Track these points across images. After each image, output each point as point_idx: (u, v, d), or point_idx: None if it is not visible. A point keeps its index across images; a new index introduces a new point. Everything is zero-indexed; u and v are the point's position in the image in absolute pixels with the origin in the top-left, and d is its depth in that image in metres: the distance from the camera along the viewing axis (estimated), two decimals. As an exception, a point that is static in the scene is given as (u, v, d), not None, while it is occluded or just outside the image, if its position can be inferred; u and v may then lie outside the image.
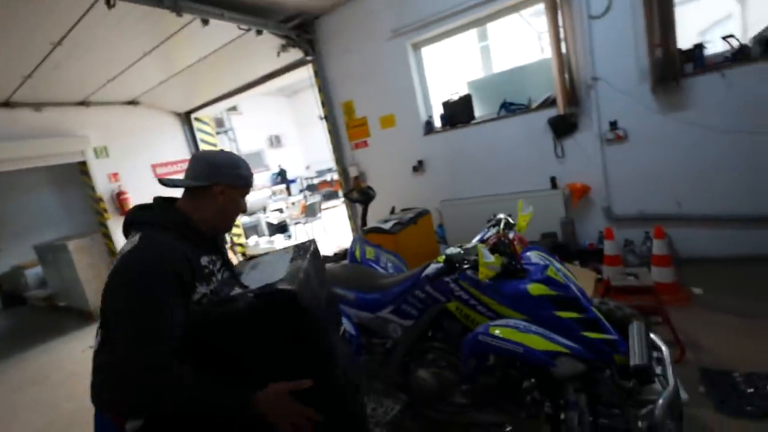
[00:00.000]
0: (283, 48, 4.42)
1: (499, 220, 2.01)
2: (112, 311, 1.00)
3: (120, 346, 0.95)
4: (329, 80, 4.84)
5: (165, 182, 1.21)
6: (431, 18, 3.89)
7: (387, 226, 3.29)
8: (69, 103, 5.08)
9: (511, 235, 1.84)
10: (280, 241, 6.79)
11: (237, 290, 1.14)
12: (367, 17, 4.29)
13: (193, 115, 6.33)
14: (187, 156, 6.39)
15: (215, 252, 1.23)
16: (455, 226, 4.37)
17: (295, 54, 4.62)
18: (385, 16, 4.17)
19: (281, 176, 13.22)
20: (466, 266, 1.59)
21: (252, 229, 7.33)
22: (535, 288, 1.57)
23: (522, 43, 5.53)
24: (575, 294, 1.61)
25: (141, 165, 5.79)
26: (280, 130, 14.25)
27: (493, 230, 1.89)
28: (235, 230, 6.89)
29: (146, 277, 0.99)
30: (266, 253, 1.52)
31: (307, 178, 13.84)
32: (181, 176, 1.22)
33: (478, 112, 4.16)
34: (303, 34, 4.43)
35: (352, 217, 5.20)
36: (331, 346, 1.16)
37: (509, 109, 3.90)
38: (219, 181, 1.17)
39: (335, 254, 4.60)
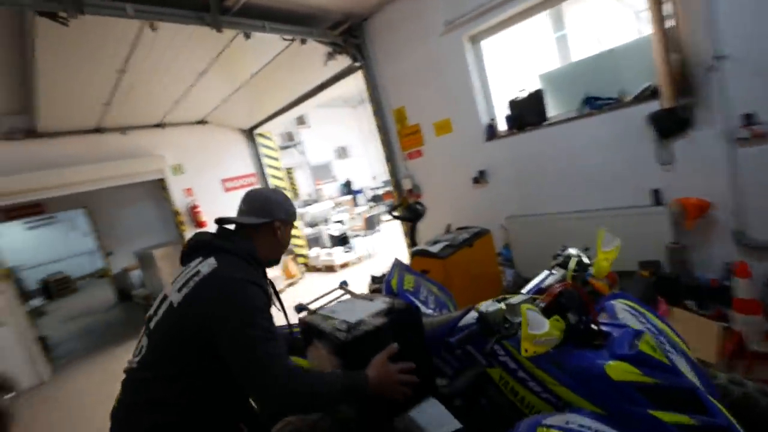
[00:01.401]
0: (330, 56, 4.21)
1: (568, 258, 1.44)
2: (217, 321, 1.07)
3: (255, 355, 1.03)
4: (380, 86, 4.52)
5: (225, 221, 1.30)
6: (489, 4, 3.33)
7: (435, 248, 2.81)
8: (148, 125, 5.51)
9: (587, 279, 1.28)
10: (338, 253, 6.63)
11: (362, 317, 1.25)
12: (417, 11, 3.87)
13: (255, 131, 6.51)
14: (252, 170, 6.60)
15: (268, 282, 1.31)
16: (525, 246, 3.69)
17: (342, 61, 4.39)
18: (437, 7, 3.71)
19: (347, 187, 13.34)
20: (509, 331, 1.09)
21: (314, 241, 7.32)
22: (617, 368, 1.01)
23: (610, 27, 4.63)
24: (689, 383, 1.01)
25: (211, 180, 6.08)
26: (346, 141, 14.45)
27: (557, 274, 1.33)
28: (298, 241, 6.93)
29: (252, 296, 1.11)
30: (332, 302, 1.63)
31: (373, 189, 13.76)
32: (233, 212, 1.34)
33: (553, 110, 3.47)
34: (350, 39, 4.18)
35: (407, 233, 4.78)
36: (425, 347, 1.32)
37: (593, 105, 3.15)
38: (277, 218, 1.31)
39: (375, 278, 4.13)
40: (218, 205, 6.02)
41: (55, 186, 4.76)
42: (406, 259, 5.04)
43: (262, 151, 6.63)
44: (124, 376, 1.19)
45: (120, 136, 5.23)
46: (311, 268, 7.02)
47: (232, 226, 1.32)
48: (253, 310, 1.08)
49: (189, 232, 5.77)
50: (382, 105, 4.57)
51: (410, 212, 3.27)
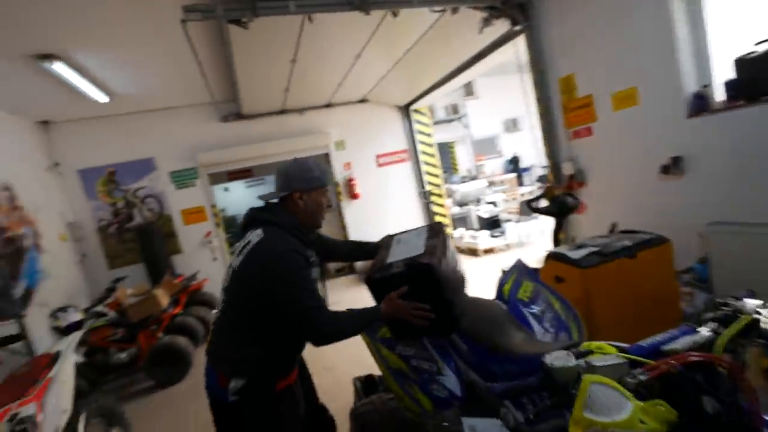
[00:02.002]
0: (486, 22, 3.76)
1: (736, 314, 0.93)
2: (272, 288, 1.33)
3: (299, 309, 1.32)
4: (544, 52, 3.83)
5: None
6: None
7: (577, 254, 2.28)
8: (319, 106, 6.25)
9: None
10: (484, 237, 6.27)
11: (393, 260, 1.51)
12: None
13: (411, 107, 6.57)
14: (405, 146, 6.77)
15: (312, 248, 1.51)
16: (733, 265, 2.63)
17: (500, 26, 3.87)
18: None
19: (514, 164, 12.29)
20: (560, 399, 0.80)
21: (460, 221, 7.11)
22: None
23: None
24: None
25: (367, 155, 6.55)
26: (517, 113, 13.15)
27: (695, 337, 0.85)
28: (442, 220, 6.87)
29: (290, 261, 1.33)
30: (405, 231, 1.81)
31: (544, 167, 12.31)
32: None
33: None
34: (510, -1, 3.62)
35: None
36: (449, 296, 1.50)
37: None
38: (295, 188, 1.45)
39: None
40: (371, 178, 6.47)
41: (255, 157, 6.03)
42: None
43: (416, 127, 6.69)
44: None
45: (298, 116, 6.12)
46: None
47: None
48: (291, 273, 1.31)
49: (345, 203, 6.45)
50: (546, 73, 3.89)
51: (556, 205, 2.72)
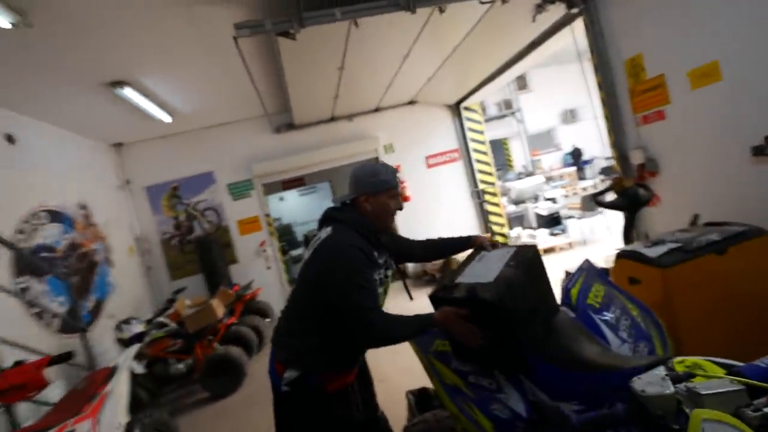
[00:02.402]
0: (539, 8, 3.55)
1: None
2: (330, 281, 1.37)
3: (352, 305, 1.33)
4: (605, 33, 3.53)
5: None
6: None
7: (654, 251, 2.05)
8: (368, 111, 6.31)
9: None
10: (543, 236, 5.93)
11: (462, 281, 1.47)
12: None
13: (462, 105, 6.41)
14: (455, 146, 6.61)
15: (383, 250, 1.54)
16: None
17: (555, 11, 3.63)
18: None
19: (574, 157, 11.54)
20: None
21: (516, 220, 6.79)
22: None
23: None
24: None
25: (417, 157, 6.50)
26: (576, 103, 12.36)
27: None
28: (497, 219, 6.60)
29: (351, 257, 1.35)
30: (495, 248, 1.69)
31: (607, 158, 11.41)
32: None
33: None
34: (566, -19, 3.38)
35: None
36: (517, 334, 1.36)
37: None
38: (362, 192, 1.48)
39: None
40: (421, 180, 6.39)
41: (307, 165, 6.21)
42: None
43: (467, 125, 6.51)
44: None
45: (347, 122, 6.23)
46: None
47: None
48: (351, 269, 1.33)
49: (395, 206, 6.41)
50: (608, 56, 3.58)
51: (627, 198, 2.47)
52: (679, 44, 2.96)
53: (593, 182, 9.90)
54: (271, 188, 6.99)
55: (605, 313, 1.59)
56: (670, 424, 0.67)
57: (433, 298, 1.48)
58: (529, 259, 1.50)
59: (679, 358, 0.96)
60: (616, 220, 6.24)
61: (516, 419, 1.32)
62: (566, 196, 6.98)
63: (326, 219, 1.55)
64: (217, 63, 3.89)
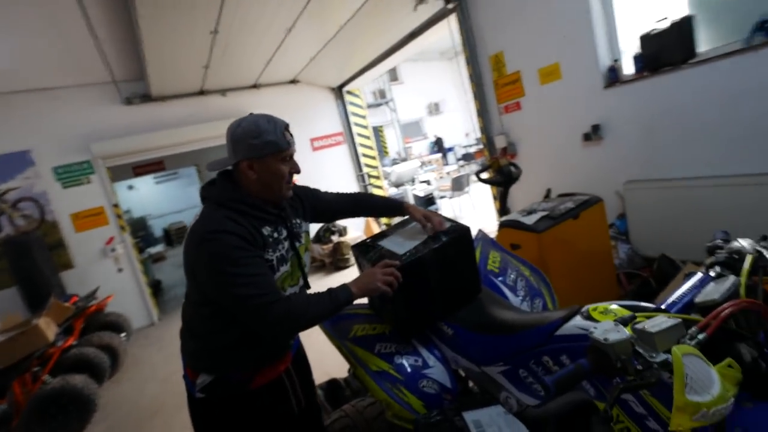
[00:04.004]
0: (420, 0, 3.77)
1: (737, 255, 1.02)
2: (202, 278, 1.13)
3: (232, 298, 1.08)
4: (475, 30, 3.96)
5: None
6: None
7: (530, 219, 2.41)
8: (245, 87, 5.75)
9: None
10: (423, 217, 6.44)
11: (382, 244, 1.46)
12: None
13: (345, 89, 6.40)
14: (340, 129, 6.59)
15: (280, 221, 1.26)
16: (647, 219, 3.04)
17: (434, 5, 3.91)
18: None
19: (437, 145, 12.81)
20: (645, 377, 0.71)
21: (398, 203, 7.20)
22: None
23: None
24: None
25: (301, 139, 6.21)
26: (440, 97, 13.69)
27: (723, 281, 0.91)
28: (381, 203, 6.88)
29: (219, 247, 1.07)
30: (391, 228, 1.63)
31: (465, 146, 13.02)
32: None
33: (705, 45, 2.64)
34: (443, -25, 3.66)
35: (497, 196, 4.34)
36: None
37: (772, 31, 2.30)
38: (242, 157, 1.15)
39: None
40: (306, 163, 6.15)
41: (168, 145, 5.31)
42: (493, 226, 4.63)
43: (350, 109, 6.54)
44: None
45: (220, 97, 5.57)
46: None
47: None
48: (217, 257, 1.07)
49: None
50: (477, 51, 4.03)
51: (502, 175, 2.86)
52: (531, 46, 3.52)
53: (456, 167, 11.20)
54: (117, 173, 5.78)
55: (505, 277, 1.79)
56: (628, 365, 0.72)
57: (356, 247, 1.51)
58: (450, 240, 1.42)
59: (591, 306, 1.08)
60: (479, 198, 7.22)
61: (444, 391, 1.37)
62: (441, 177, 7.70)
63: (202, 198, 1.24)
64: (38, 4, 2.98)
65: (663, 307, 0.94)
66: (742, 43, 2.39)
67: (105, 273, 4.96)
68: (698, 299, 0.88)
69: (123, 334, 4.32)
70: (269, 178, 1.18)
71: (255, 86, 5.81)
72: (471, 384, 1.54)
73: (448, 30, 4.22)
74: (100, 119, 4.93)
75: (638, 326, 0.76)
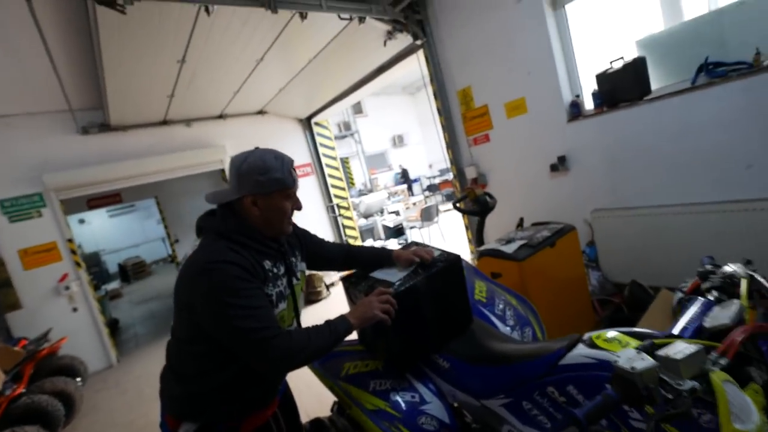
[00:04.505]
0: (390, 35, 3.90)
1: (730, 279, 1.03)
2: (202, 310, 1.07)
3: (231, 332, 1.04)
4: (442, 65, 4.12)
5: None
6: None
7: (510, 248, 2.42)
8: (210, 117, 5.61)
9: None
10: (393, 246, 6.39)
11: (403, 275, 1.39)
12: (490, -25, 3.41)
13: (313, 120, 6.41)
14: (308, 160, 6.53)
15: (279, 257, 1.24)
16: (615, 246, 3.16)
17: (403, 40, 4.05)
18: (514, -32, 3.23)
19: (403, 176, 13.03)
20: (675, 406, 0.69)
21: (368, 232, 7.15)
22: None
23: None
24: None
25: (268, 171, 6.09)
26: (403, 129, 14.10)
27: (728, 306, 0.91)
28: (352, 233, 6.80)
29: (219, 278, 1.04)
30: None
31: (429, 177, 13.34)
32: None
33: (655, 83, 2.88)
34: (411, 14, 3.82)
35: (468, 226, 4.39)
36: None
37: (714, 73, 2.54)
38: (246, 192, 1.14)
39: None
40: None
41: (128, 177, 5.01)
42: (466, 255, 4.64)
43: (319, 140, 6.53)
44: None
45: (185, 127, 5.39)
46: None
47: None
48: (219, 289, 1.03)
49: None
50: (445, 86, 4.18)
51: (478, 205, 2.89)
52: (497, 81, 3.69)
53: (421, 197, 11.39)
54: (70, 206, 5.36)
55: (493, 307, 1.77)
56: (656, 394, 0.70)
57: (346, 280, 1.49)
58: (442, 269, 1.41)
59: (594, 334, 1.07)
60: (448, 228, 7.30)
61: (442, 428, 1.32)
62: (407, 208, 7.75)
63: (199, 228, 1.21)
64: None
65: (675, 332, 0.93)
66: (689, 83, 2.62)
67: (58, 313, 4.56)
68: (708, 324, 0.88)
69: (78, 379, 4.05)
70: (272, 215, 1.17)
71: (221, 116, 5.68)
72: (469, 418, 1.49)
73: (417, 65, 4.36)
74: (54, 149, 4.59)
75: (661, 353, 0.75)
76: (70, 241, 4.71)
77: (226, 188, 1.19)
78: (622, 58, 2.89)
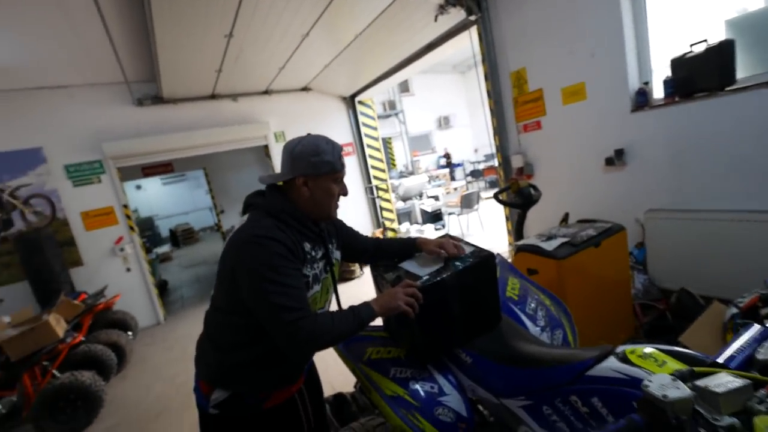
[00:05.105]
0: (442, 9, 3.67)
1: None
2: (243, 280, 1.11)
3: (265, 306, 1.08)
4: (497, 44, 3.85)
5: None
6: None
7: (550, 245, 2.26)
8: (256, 92, 5.70)
9: None
10: (429, 231, 6.29)
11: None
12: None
13: (357, 99, 6.33)
14: (350, 139, 6.50)
15: (319, 241, 1.28)
16: (668, 250, 2.87)
17: (456, 15, 3.81)
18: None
19: (446, 160, 12.70)
20: None
21: (405, 215, 7.07)
22: None
23: None
24: None
25: (309, 148, 6.14)
26: (450, 111, 13.61)
27: None
28: (389, 215, 6.75)
29: (263, 252, 1.09)
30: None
31: (473, 162, 12.90)
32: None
33: (742, 71, 2.50)
34: (466, -13, 3.57)
35: (509, 217, 4.19)
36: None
37: (819, 60, 2.15)
38: (299, 173, 1.19)
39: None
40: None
41: (178, 148, 5.25)
42: (504, 248, 4.46)
43: (361, 119, 6.46)
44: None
45: (231, 102, 5.51)
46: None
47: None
48: (260, 261, 1.08)
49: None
50: (498, 66, 3.92)
51: (521, 197, 2.72)
52: (556, 63, 3.40)
53: (463, 183, 11.08)
54: (126, 173, 5.73)
55: (524, 305, 1.68)
56: (688, 427, 0.63)
57: (375, 268, 1.50)
58: (472, 265, 1.35)
59: (629, 348, 1.00)
60: (488, 217, 7.06)
61: (459, 421, 1.31)
62: (448, 193, 7.56)
63: (247, 206, 1.27)
64: (55, 2, 2.93)
65: (720, 360, 0.81)
66: (785, 72, 2.25)
67: (113, 272, 4.97)
68: (762, 356, 0.76)
69: (129, 333, 4.44)
70: (322, 196, 1.22)
71: (266, 92, 5.75)
72: (486, 414, 1.49)
73: (469, 42, 4.11)
74: (112, 119, 4.89)
75: (700, 383, 0.67)
76: (126, 206, 5.06)
77: (279, 172, 1.25)
78: (705, 40, 2.53)
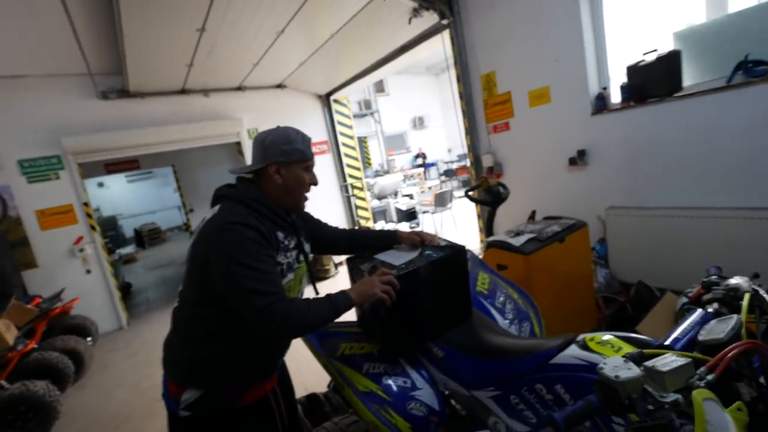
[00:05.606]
0: (415, 12, 3.76)
1: (734, 292, 1.00)
2: (215, 267, 1.10)
3: (238, 292, 1.07)
4: (468, 48, 3.98)
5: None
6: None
7: (517, 241, 2.37)
8: (229, 88, 5.59)
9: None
10: (404, 229, 6.38)
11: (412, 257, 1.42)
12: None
13: (332, 97, 6.33)
14: (325, 137, 6.49)
15: (292, 231, 1.31)
16: (627, 245, 3.08)
17: (429, 19, 3.91)
18: (549, -52, 3.05)
19: (421, 159, 12.88)
20: (656, 417, 0.69)
21: (380, 214, 7.14)
22: None
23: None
24: None
25: (283, 146, 6.08)
26: (424, 111, 13.83)
27: (729, 323, 0.87)
28: (363, 213, 6.80)
29: (237, 238, 1.09)
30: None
31: (447, 162, 13.15)
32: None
33: (689, 79, 2.72)
34: (439, -9, 3.67)
35: (481, 215, 4.34)
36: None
37: (752, 72, 2.38)
38: (271, 161, 1.22)
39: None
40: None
41: (145, 144, 5.07)
42: (476, 244, 4.61)
43: (337, 118, 6.46)
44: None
45: (203, 98, 5.39)
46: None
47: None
48: (232, 246, 1.08)
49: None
50: (469, 69, 4.05)
51: (491, 195, 2.84)
52: (523, 67, 3.56)
53: (437, 182, 11.27)
54: (88, 170, 5.47)
55: (494, 299, 1.76)
56: (638, 404, 0.69)
57: (351, 260, 1.52)
58: (445, 257, 1.40)
59: (588, 336, 1.07)
60: (461, 215, 7.24)
61: (431, 414, 1.34)
62: (422, 192, 7.69)
63: (217, 197, 1.26)
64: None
65: (667, 343, 0.91)
66: (724, 81, 2.47)
67: (72, 274, 4.71)
68: (702, 337, 0.86)
69: (89, 339, 4.18)
70: (293, 184, 1.25)
71: (240, 88, 5.66)
72: (458, 407, 1.52)
73: (442, 45, 4.22)
74: (73, 112, 4.66)
75: (649, 363, 0.74)
76: (86, 204, 4.82)
77: (247, 165, 1.29)
78: (656, 50, 2.73)
